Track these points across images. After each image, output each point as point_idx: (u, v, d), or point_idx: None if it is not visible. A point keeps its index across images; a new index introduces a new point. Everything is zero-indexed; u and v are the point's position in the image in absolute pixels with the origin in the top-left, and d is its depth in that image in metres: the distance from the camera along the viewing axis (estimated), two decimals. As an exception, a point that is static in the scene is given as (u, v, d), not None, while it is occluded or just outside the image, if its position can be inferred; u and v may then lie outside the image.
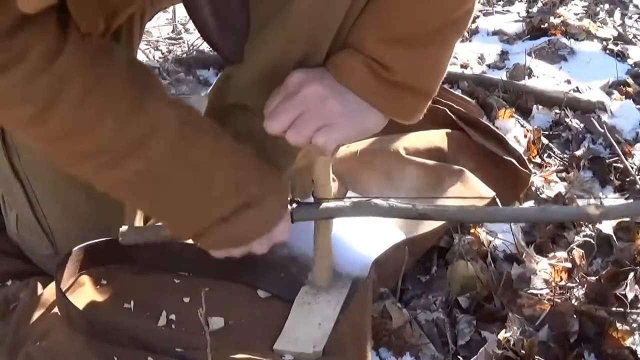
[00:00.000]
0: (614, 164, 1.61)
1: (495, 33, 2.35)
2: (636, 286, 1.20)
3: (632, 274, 1.21)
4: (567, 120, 1.80)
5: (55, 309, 1.09)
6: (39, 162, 1.14)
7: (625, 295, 1.18)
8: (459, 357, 1.12)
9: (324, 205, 1.07)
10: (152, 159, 0.93)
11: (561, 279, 1.25)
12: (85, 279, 1.15)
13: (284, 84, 0.99)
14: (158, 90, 0.95)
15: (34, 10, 0.78)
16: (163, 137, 0.93)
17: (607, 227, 1.39)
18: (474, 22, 2.35)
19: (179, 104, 0.97)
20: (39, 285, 1.15)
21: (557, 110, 1.83)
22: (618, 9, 2.62)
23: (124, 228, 1.10)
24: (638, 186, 1.51)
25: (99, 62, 0.89)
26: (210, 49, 2.14)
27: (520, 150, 1.57)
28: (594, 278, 1.23)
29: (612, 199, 1.51)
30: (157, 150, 0.93)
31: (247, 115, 1.09)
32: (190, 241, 1.18)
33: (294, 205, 1.07)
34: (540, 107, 1.85)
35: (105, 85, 0.89)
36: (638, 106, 1.87)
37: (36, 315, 1.09)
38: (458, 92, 1.79)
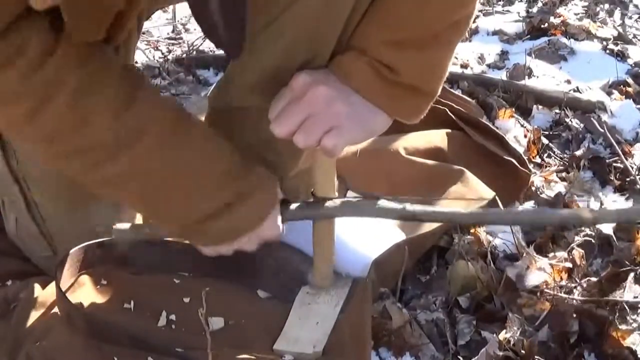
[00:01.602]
0: (614, 164, 1.61)
1: (495, 33, 2.35)
2: (636, 286, 1.20)
3: (632, 274, 1.22)
4: (567, 120, 1.80)
5: (55, 309, 1.09)
6: (37, 165, 1.14)
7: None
8: (459, 357, 1.12)
9: (314, 204, 1.06)
10: (142, 156, 0.93)
11: (561, 279, 1.25)
12: (85, 279, 1.15)
13: (289, 86, 0.98)
14: (150, 88, 0.96)
15: (42, 7, 0.79)
16: (155, 133, 0.92)
17: (607, 227, 1.39)
18: (474, 22, 2.34)
19: (170, 102, 0.97)
20: (39, 285, 1.15)
21: (557, 110, 1.83)
22: (618, 9, 2.62)
23: (118, 225, 1.10)
24: (638, 186, 1.51)
25: (92, 60, 0.89)
26: (211, 48, 2.18)
27: (520, 150, 1.57)
28: (594, 278, 1.23)
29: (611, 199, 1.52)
30: (148, 147, 0.92)
31: (249, 117, 1.09)
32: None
33: (287, 204, 1.06)
34: (540, 107, 1.85)
35: (99, 82, 0.89)
36: (638, 106, 1.87)
37: (36, 315, 1.09)
38: (458, 92, 1.79)
